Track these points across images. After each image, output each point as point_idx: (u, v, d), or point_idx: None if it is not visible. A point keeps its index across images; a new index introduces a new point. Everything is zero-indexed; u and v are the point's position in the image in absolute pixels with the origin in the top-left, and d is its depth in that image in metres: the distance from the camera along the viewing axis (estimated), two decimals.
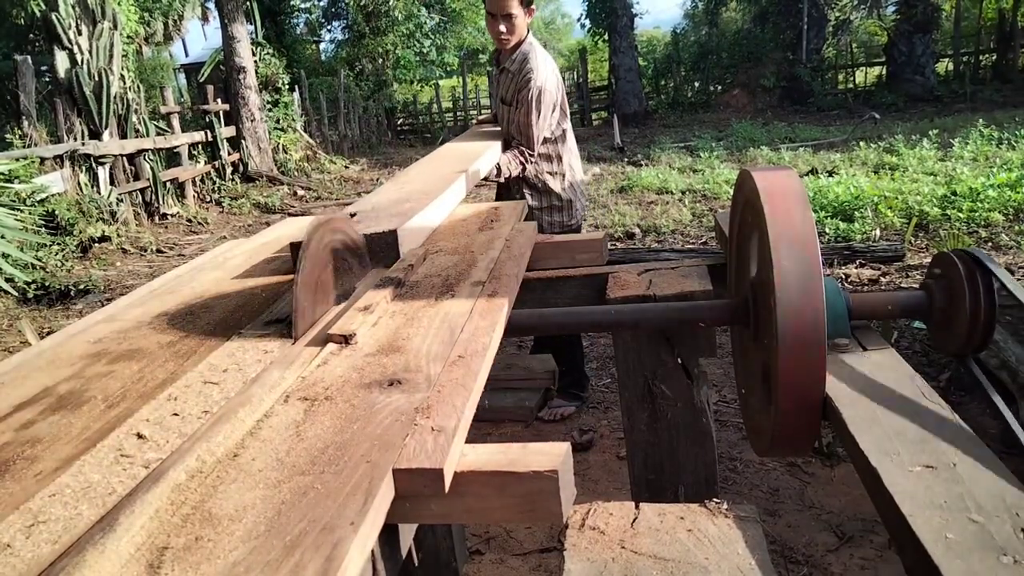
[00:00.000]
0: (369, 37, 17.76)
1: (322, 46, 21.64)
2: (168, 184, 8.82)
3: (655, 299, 1.86)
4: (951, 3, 17.55)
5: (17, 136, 7.25)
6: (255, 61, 11.24)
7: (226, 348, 1.28)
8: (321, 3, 19.49)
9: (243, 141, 10.75)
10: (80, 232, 6.83)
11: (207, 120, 10.26)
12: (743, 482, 2.59)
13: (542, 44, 3.10)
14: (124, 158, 8.20)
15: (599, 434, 3.06)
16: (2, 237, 5.13)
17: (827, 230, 5.38)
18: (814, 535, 2.26)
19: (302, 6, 17.92)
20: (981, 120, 8.77)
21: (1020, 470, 1.16)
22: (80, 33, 7.80)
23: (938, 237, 4.99)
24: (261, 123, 10.98)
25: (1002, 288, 1.48)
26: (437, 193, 2.08)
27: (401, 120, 19.07)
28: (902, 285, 4.24)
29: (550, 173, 3.04)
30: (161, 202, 8.57)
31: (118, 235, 7.30)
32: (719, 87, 17.93)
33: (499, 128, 3.20)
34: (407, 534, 1.00)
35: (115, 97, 8.06)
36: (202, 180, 9.86)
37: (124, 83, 8.35)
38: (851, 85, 17.68)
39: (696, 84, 18.46)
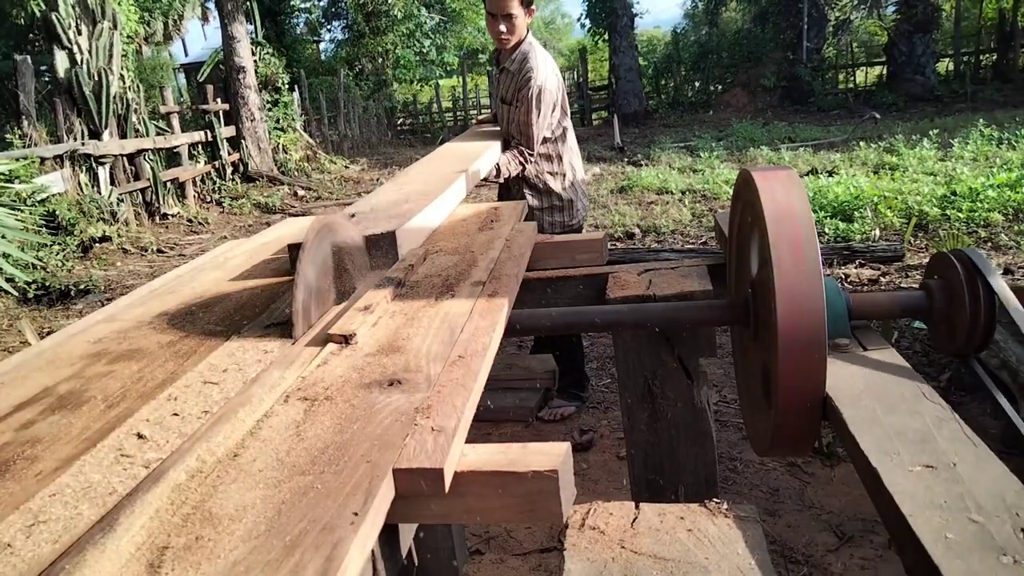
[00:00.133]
0: (369, 37, 17.76)
1: (322, 46, 21.65)
2: (168, 184, 8.82)
3: (655, 299, 1.86)
4: (951, 3, 17.55)
5: (17, 136, 7.26)
6: (255, 61, 11.24)
7: (226, 348, 1.28)
8: (321, 3, 19.51)
9: (243, 141, 10.75)
10: (80, 232, 6.83)
11: (207, 120, 10.27)
12: (743, 482, 2.59)
13: (542, 44, 3.10)
14: (124, 158, 8.20)
15: (599, 434, 3.06)
16: (2, 237, 5.13)
17: (827, 230, 5.38)
18: (814, 535, 2.26)
19: (302, 6, 17.93)
20: (981, 120, 8.77)
21: (1020, 470, 1.16)
22: (80, 33, 7.80)
23: (938, 237, 4.99)
24: (261, 123, 10.98)
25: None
26: (436, 194, 2.08)
27: (401, 120, 19.06)
28: (902, 285, 4.24)
29: (551, 173, 3.04)
30: (161, 202, 8.57)
31: (118, 235, 7.30)
32: (719, 87, 17.92)
33: (499, 128, 3.20)
34: (407, 534, 1.00)
35: (115, 97, 8.06)
36: (202, 180, 9.86)
37: (124, 83, 8.35)
38: (851, 85, 17.68)
39: (696, 84, 18.46)
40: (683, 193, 7.55)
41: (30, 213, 6.29)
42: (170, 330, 1.42)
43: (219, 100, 10.60)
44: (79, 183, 7.43)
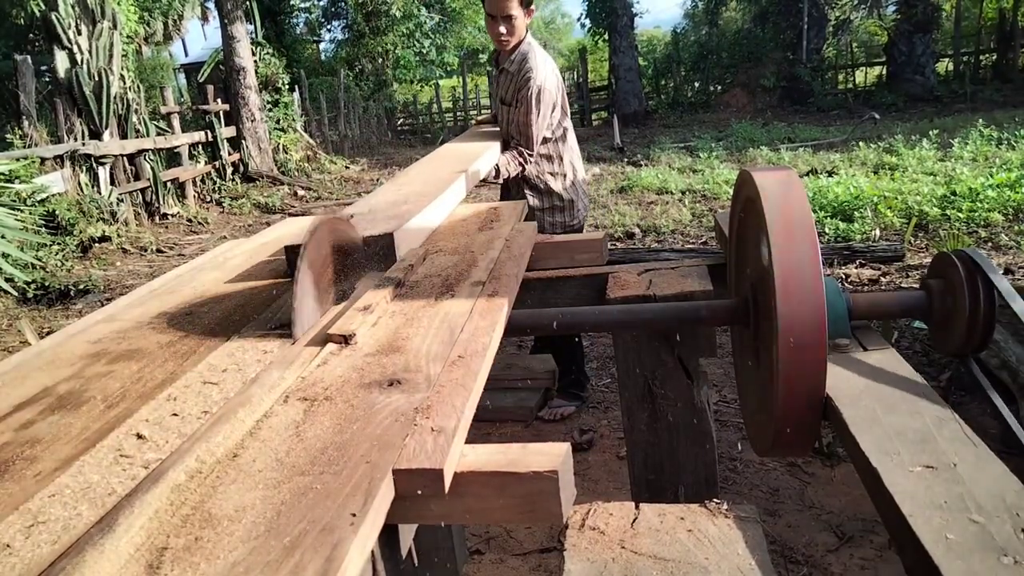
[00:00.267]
0: (369, 37, 17.76)
1: (322, 46, 21.65)
2: (168, 184, 8.82)
3: (655, 299, 1.86)
4: (951, 3, 17.55)
5: (17, 136, 7.26)
6: (255, 61, 11.24)
7: (226, 348, 1.28)
8: (321, 3, 19.50)
9: (243, 141, 10.75)
10: (80, 232, 6.83)
11: (207, 120, 10.27)
12: (743, 482, 2.59)
13: (542, 44, 3.10)
14: (124, 158, 8.20)
15: (599, 434, 3.06)
16: (2, 237, 5.13)
17: (827, 230, 5.38)
18: (814, 535, 2.26)
19: (302, 6, 17.94)
20: (981, 120, 8.77)
21: (1020, 470, 1.16)
22: (80, 33, 7.80)
23: (938, 237, 4.99)
24: (261, 123, 10.98)
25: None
26: (435, 194, 2.07)
27: (401, 120, 19.06)
28: (902, 285, 4.24)
29: (551, 173, 3.04)
30: (161, 202, 8.57)
31: (118, 235, 7.30)
32: (719, 87, 17.92)
33: (498, 128, 3.20)
34: (407, 534, 1.00)
35: (115, 97, 8.06)
36: (202, 180, 9.86)
37: (124, 83, 8.35)
38: (851, 85, 17.68)
39: (696, 84, 18.46)
40: (683, 193, 7.55)
41: (30, 213, 6.29)
42: (170, 330, 1.42)
43: (219, 100, 10.60)
44: (79, 183, 7.43)
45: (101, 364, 1.27)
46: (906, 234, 5.08)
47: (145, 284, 1.84)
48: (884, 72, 16.87)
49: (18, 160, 6.63)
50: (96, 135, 7.85)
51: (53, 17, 7.58)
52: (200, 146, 10.13)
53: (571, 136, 3.11)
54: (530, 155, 2.94)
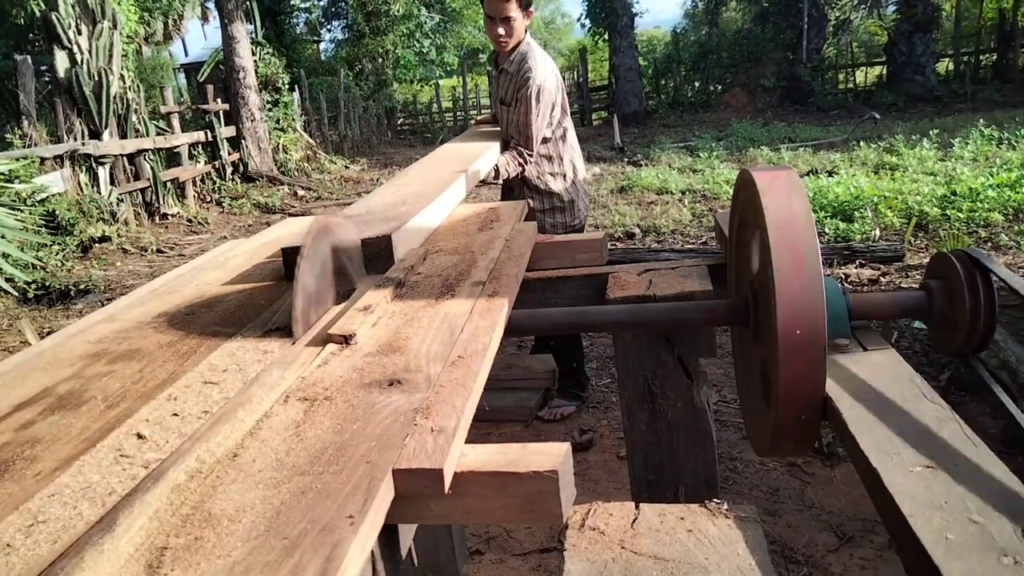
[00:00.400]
0: (369, 37, 17.76)
1: (322, 46, 21.65)
2: (168, 184, 8.82)
3: (655, 299, 1.86)
4: (951, 3, 17.55)
5: (17, 136, 7.26)
6: (255, 61, 11.24)
7: (226, 348, 1.28)
8: (321, 3, 19.50)
9: (243, 141, 10.75)
10: (80, 232, 6.83)
11: (207, 120, 10.27)
12: (743, 482, 2.59)
13: (542, 44, 3.10)
14: (124, 158, 8.20)
15: (599, 434, 3.06)
16: (2, 237, 5.13)
17: (827, 230, 5.38)
18: (814, 535, 2.26)
19: (302, 6, 17.92)
20: (981, 120, 8.77)
21: (1020, 470, 1.16)
22: (80, 33, 7.80)
23: (938, 237, 4.99)
24: (261, 123, 10.98)
25: (1002, 286, 1.48)
26: (434, 195, 2.07)
27: (401, 120, 19.06)
28: (902, 285, 4.24)
29: (551, 173, 3.04)
30: (161, 202, 8.57)
31: (118, 235, 7.30)
32: (719, 87, 17.92)
33: (498, 128, 3.20)
34: (407, 534, 1.00)
35: (115, 97, 8.06)
36: (202, 180, 9.86)
37: (124, 83, 8.35)
38: (851, 85, 17.67)
39: (696, 84, 18.45)
40: (683, 193, 7.55)
41: (30, 213, 6.29)
42: (170, 330, 1.42)
43: (219, 100, 10.60)
44: (79, 183, 7.43)
45: (101, 364, 1.27)
46: (906, 234, 5.08)
47: (145, 284, 1.84)
48: (884, 72, 16.87)
49: (18, 160, 6.63)
50: (96, 135, 7.85)
51: (53, 17, 7.58)
52: (200, 146, 10.13)
53: (571, 136, 3.11)
54: (530, 155, 2.94)
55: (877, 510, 1.14)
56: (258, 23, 12.26)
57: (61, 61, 7.70)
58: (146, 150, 8.54)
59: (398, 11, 17.57)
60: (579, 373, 3.33)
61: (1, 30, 12.58)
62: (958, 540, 0.95)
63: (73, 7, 7.73)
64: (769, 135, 11.63)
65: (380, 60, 18.04)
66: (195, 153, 9.98)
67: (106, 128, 7.96)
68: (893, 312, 1.67)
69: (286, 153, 11.73)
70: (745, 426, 1.96)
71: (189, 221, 8.65)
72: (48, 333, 4.36)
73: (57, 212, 6.74)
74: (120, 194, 7.90)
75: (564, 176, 3.06)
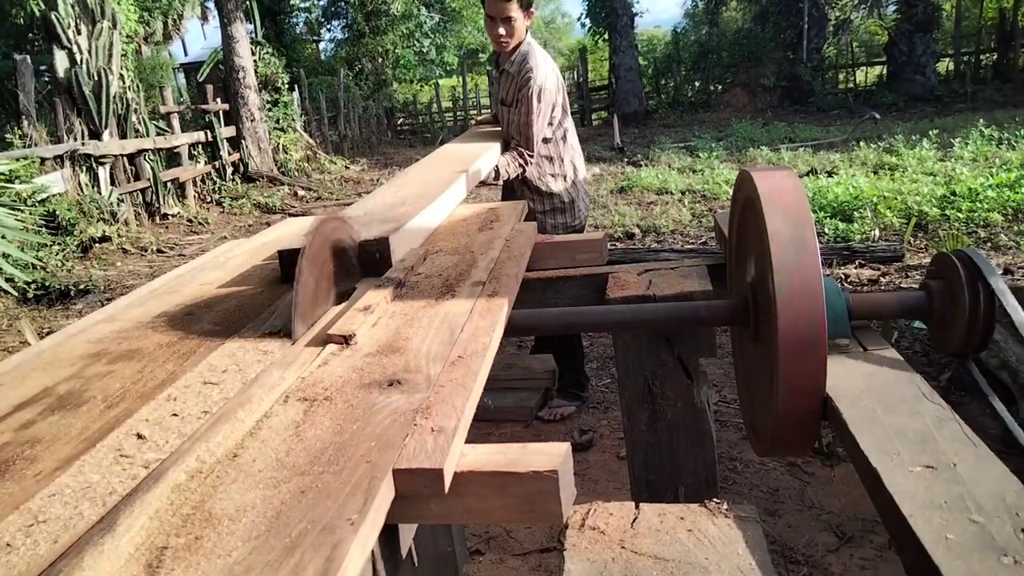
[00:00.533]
0: (369, 36, 17.76)
1: (322, 46, 21.65)
2: (168, 184, 8.82)
3: (655, 299, 1.86)
4: (951, 3, 17.55)
5: (17, 136, 7.26)
6: (255, 61, 11.24)
7: (226, 348, 1.28)
8: (321, 2, 19.49)
9: (243, 141, 10.75)
10: (80, 232, 6.83)
11: (207, 120, 10.27)
12: (743, 482, 2.59)
13: (542, 44, 3.09)
14: (124, 158, 8.20)
15: (599, 434, 3.06)
16: (2, 237, 5.13)
17: (827, 230, 5.38)
18: (814, 535, 2.26)
19: (302, 5, 17.94)
20: (981, 120, 8.77)
21: (1020, 470, 1.16)
22: (79, 33, 7.80)
23: (937, 237, 4.99)
24: (261, 123, 10.98)
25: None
26: (434, 196, 2.06)
27: (401, 120, 19.05)
28: (902, 285, 4.24)
29: (552, 174, 3.03)
30: (161, 202, 8.57)
31: (118, 235, 7.30)
32: (719, 87, 17.92)
33: (498, 128, 3.20)
34: (407, 534, 1.00)
35: (115, 97, 8.06)
36: (202, 180, 9.86)
37: (124, 83, 8.35)
38: (851, 85, 17.67)
39: (696, 84, 18.45)
40: (683, 193, 7.55)
41: (30, 213, 6.29)
42: (170, 330, 1.42)
43: (219, 100, 10.60)
44: (79, 183, 7.43)
45: (101, 364, 1.27)
46: (906, 234, 5.08)
47: (145, 284, 1.84)
48: (884, 72, 16.87)
49: (18, 160, 6.63)
50: (96, 135, 7.85)
51: (53, 17, 7.58)
52: (200, 146, 10.13)
53: (572, 136, 3.10)
54: (530, 156, 2.93)
55: (877, 510, 1.14)
56: (258, 23, 12.26)
57: (61, 61, 7.69)
58: (146, 150, 8.54)
59: (398, 11, 17.56)
60: (579, 373, 3.33)
61: (1, 30, 12.58)
62: (958, 540, 0.95)
63: (73, 7, 7.73)
64: (769, 135, 11.63)
65: (380, 60, 18.04)
66: (195, 153, 9.98)
67: (106, 128, 7.96)
68: (893, 312, 1.67)
69: (286, 153, 11.73)
70: (745, 426, 1.96)
71: (189, 221, 8.65)
72: (48, 333, 4.36)
73: (57, 212, 6.74)
74: (120, 194, 7.90)
75: (564, 176, 3.06)
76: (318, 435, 0.95)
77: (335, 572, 0.69)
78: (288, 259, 1.64)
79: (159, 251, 7.28)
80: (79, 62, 7.74)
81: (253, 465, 0.89)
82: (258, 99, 11.00)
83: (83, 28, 7.84)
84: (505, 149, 2.99)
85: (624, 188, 8.07)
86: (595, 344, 3.99)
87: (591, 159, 10.69)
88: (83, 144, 7.55)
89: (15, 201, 6.18)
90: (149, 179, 8.43)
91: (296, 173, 11.53)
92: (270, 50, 12.20)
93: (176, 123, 9.66)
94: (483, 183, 2.82)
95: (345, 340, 1.24)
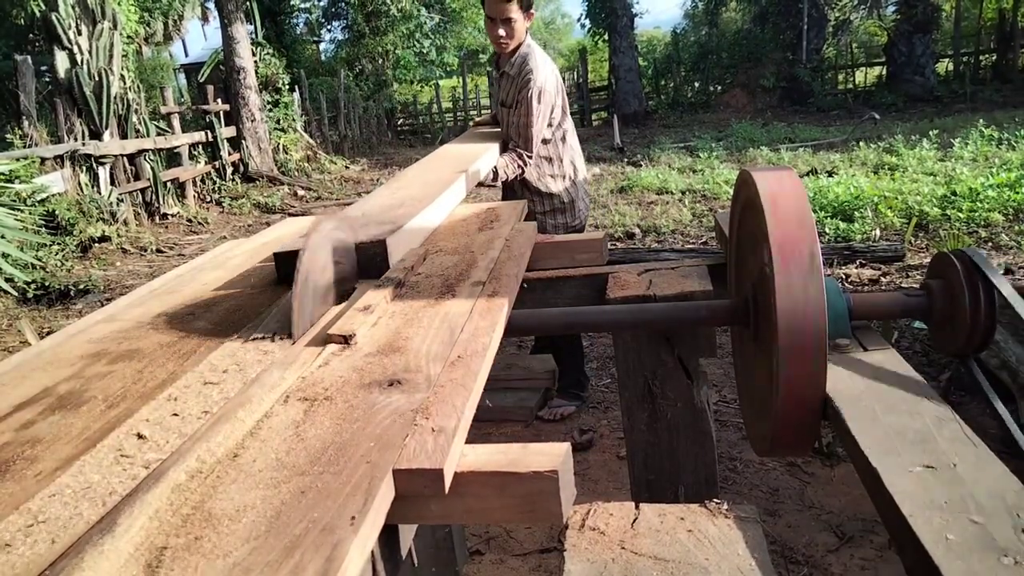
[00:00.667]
0: (369, 37, 17.76)
1: (322, 46, 21.65)
2: (168, 184, 8.82)
3: (655, 299, 1.86)
4: (951, 3, 17.55)
5: (17, 136, 7.26)
6: (255, 61, 11.24)
7: (226, 348, 1.28)
8: (321, 3, 19.50)
9: (243, 141, 10.75)
10: (80, 232, 6.83)
11: (207, 120, 10.27)
12: (743, 482, 2.59)
13: (542, 45, 3.10)
14: (124, 158, 8.20)
15: (599, 434, 3.06)
16: (2, 237, 5.13)
17: (827, 230, 5.38)
18: (814, 535, 2.26)
19: (302, 6, 17.92)
20: (981, 120, 8.77)
21: (1020, 470, 1.16)
22: (80, 33, 7.80)
23: (938, 237, 4.99)
24: (261, 123, 10.98)
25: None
26: (432, 197, 2.05)
27: (401, 120, 19.05)
28: (902, 285, 4.24)
29: (551, 175, 3.03)
30: (161, 202, 8.57)
31: (118, 235, 7.30)
32: (719, 87, 17.92)
33: (497, 129, 3.20)
34: (407, 534, 1.00)
35: (115, 97, 8.06)
36: (202, 180, 9.86)
37: (124, 83, 8.35)
38: (851, 85, 17.68)
39: (696, 84, 18.45)
40: (683, 193, 7.55)
41: (30, 213, 6.29)
42: (170, 330, 1.42)
43: (219, 100, 10.60)
44: (79, 183, 7.43)
45: (101, 364, 1.27)
46: (906, 234, 5.08)
47: (145, 284, 1.84)
48: (884, 72, 16.87)
49: (18, 160, 6.63)
50: (96, 135, 7.85)
51: (53, 17, 7.58)
52: (200, 146, 10.13)
53: (572, 137, 3.10)
54: (529, 157, 2.93)
55: (877, 510, 1.14)
56: (258, 23, 12.25)
57: (61, 61, 7.69)
58: (146, 150, 8.54)
59: (399, 10, 17.56)
60: (579, 373, 3.33)
61: (1, 30, 12.58)
62: (958, 540, 0.95)
63: (73, 7, 7.73)
64: (769, 135, 11.63)
65: (380, 60, 18.04)
66: (195, 153, 9.98)
67: (106, 128, 7.96)
68: (893, 312, 1.67)
69: (286, 153, 11.73)
70: (745, 426, 1.96)
71: (189, 221, 8.65)
72: (48, 333, 4.36)
73: (57, 212, 6.74)
74: (120, 194, 7.90)
75: (564, 177, 3.06)
76: (318, 435, 0.95)
77: (335, 572, 0.69)
78: (284, 261, 1.63)
79: (159, 251, 7.28)
80: (80, 62, 7.74)
81: (253, 465, 0.89)
82: (258, 99, 11.00)
83: (84, 29, 7.84)
84: (504, 150, 2.99)
85: (624, 188, 8.07)
86: (595, 344, 3.99)
87: (591, 159, 10.69)
88: (83, 144, 7.55)
89: (15, 201, 6.18)
90: (149, 179, 8.43)
91: (296, 173, 11.53)
92: (270, 51, 12.20)
93: (176, 123, 9.66)
94: (482, 184, 2.82)
95: (345, 340, 1.24)
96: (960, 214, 5.30)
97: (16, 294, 5.40)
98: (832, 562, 2.13)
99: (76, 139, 7.60)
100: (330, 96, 14.66)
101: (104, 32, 7.99)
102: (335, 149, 13.85)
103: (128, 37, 9.64)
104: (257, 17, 12.13)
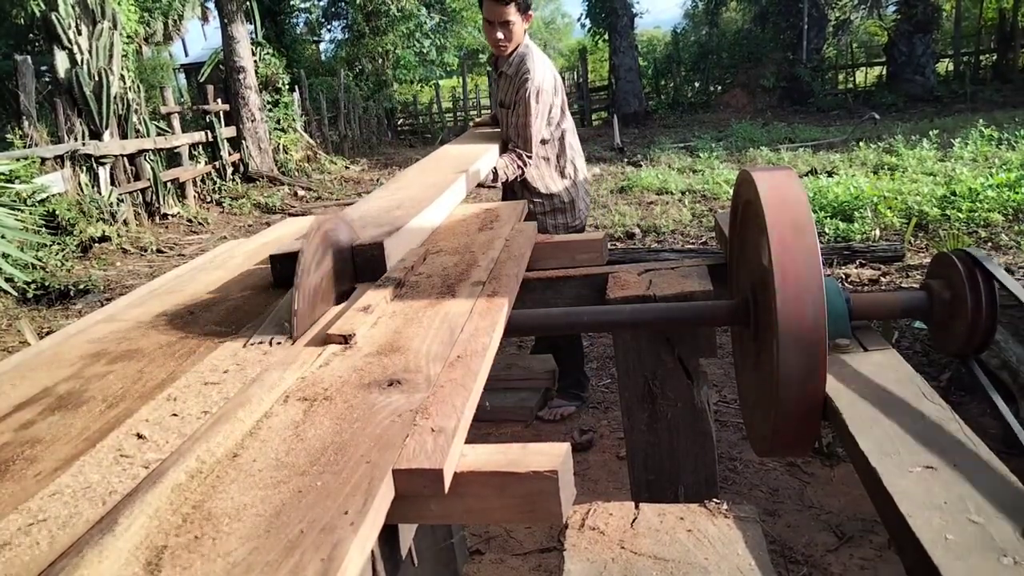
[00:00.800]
0: (369, 37, 17.76)
1: (322, 46, 21.64)
2: (168, 184, 8.82)
3: (655, 299, 1.86)
4: (951, 3, 17.55)
5: (18, 136, 7.26)
6: (255, 61, 11.24)
7: (226, 348, 1.28)
8: (321, 3, 19.50)
9: (243, 141, 10.75)
10: (80, 232, 6.83)
11: (207, 120, 10.27)
12: (743, 482, 2.59)
13: (541, 45, 3.10)
14: (124, 158, 8.20)
15: (599, 434, 3.06)
16: (2, 237, 5.13)
17: (827, 230, 5.38)
18: (814, 535, 2.26)
19: (302, 6, 17.93)
20: (981, 120, 8.77)
21: (1020, 470, 1.16)
22: (80, 33, 7.80)
23: (938, 237, 4.99)
24: (261, 123, 10.98)
25: (1002, 288, 1.48)
26: (431, 199, 2.04)
27: (401, 120, 19.05)
28: (902, 285, 4.24)
29: (551, 175, 3.03)
30: (161, 202, 8.57)
31: (118, 235, 7.30)
32: (719, 87, 17.92)
33: (497, 129, 3.19)
34: (407, 534, 1.00)
35: (115, 97, 8.06)
36: (203, 180, 9.86)
37: (124, 83, 8.35)
38: (851, 85, 17.68)
39: (696, 84, 18.46)
40: (683, 193, 7.55)
41: (30, 213, 6.29)
42: (170, 330, 1.42)
43: (219, 100, 10.60)
44: (79, 183, 7.43)
45: (101, 364, 1.27)
46: (906, 234, 5.08)
47: (145, 284, 1.84)
48: (884, 72, 16.87)
49: (18, 160, 6.63)
50: (96, 135, 7.85)
51: (53, 17, 7.58)
52: (200, 146, 10.13)
53: (572, 136, 3.10)
54: (529, 158, 2.93)
55: (877, 510, 1.14)
56: (258, 23, 12.25)
57: (61, 61, 7.70)
58: (146, 150, 8.54)
59: (399, 10, 17.55)
60: (579, 373, 3.33)
61: (1, 30, 12.58)
62: (958, 540, 0.94)
63: (73, 7, 7.73)
64: (769, 135, 11.63)
65: (380, 60, 18.05)
66: (195, 153, 9.98)
67: (106, 128, 7.96)
68: (894, 312, 1.67)
69: (286, 153, 11.73)
70: (745, 426, 1.96)
71: (189, 221, 8.65)
72: (47, 333, 4.36)
73: (57, 212, 6.74)
74: (120, 194, 7.90)
75: (564, 177, 3.06)
76: (318, 435, 0.95)
77: (335, 572, 0.69)
78: (280, 263, 1.61)
79: (159, 251, 7.28)
80: (80, 62, 7.74)
81: (253, 465, 0.89)
82: (258, 99, 11.00)
83: (84, 28, 7.84)
84: (504, 151, 2.99)
85: (624, 188, 8.07)
86: (595, 344, 3.99)
87: (591, 159, 10.69)
88: (83, 144, 7.55)
89: (15, 201, 6.18)
90: (149, 179, 8.43)
91: (296, 173, 11.53)
92: (270, 51, 12.20)
93: (176, 123, 9.66)
94: (481, 185, 2.81)
95: (345, 340, 1.24)
96: (960, 214, 5.31)
97: (16, 294, 5.40)
98: (832, 562, 2.13)
99: (76, 139, 7.60)
100: (330, 96, 14.66)
101: (104, 32, 7.99)
102: (335, 149, 13.85)
103: (128, 37, 9.64)
104: (257, 17, 12.13)
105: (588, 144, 12.30)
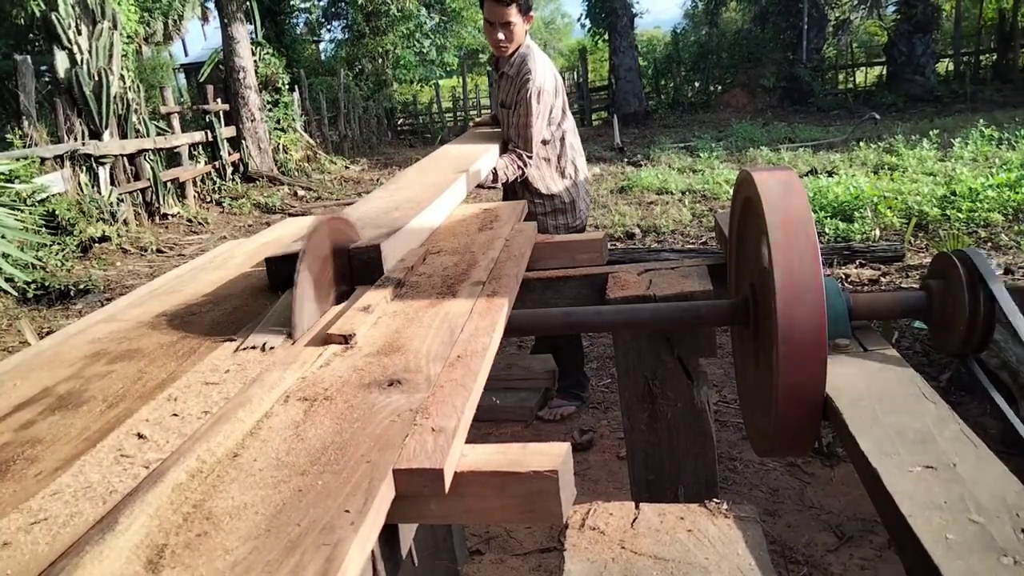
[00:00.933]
0: (369, 37, 17.76)
1: (322, 46, 21.64)
2: (168, 184, 8.82)
3: (655, 299, 1.86)
4: (951, 3, 17.55)
5: (17, 136, 7.26)
6: (255, 61, 11.24)
7: (226, 348, 1.28)
8: (321, 3, 19.50)
9: (243, 141, 10.75)
10: (80, 232, 6.83)
11: (207, 120, 10.27)
12: (743, 482, 2.59)
13: (542, 45, 3.10)
14: (124, 158, 8.21)
15: (599, 434, 3.06)
16: (2, 237, 5.13)
17: (827, 230, 5.38)
18: (814, 535, 2.26)
19: (302, 6, 17.93)
20: (981, 120, 8.77)
21: (1020, 470, 1.16)
22: (80, 33, 7.80)
23: (938, 237, 4.99)
24: (261, 123, 10.98)
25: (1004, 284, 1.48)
26: (430, 200, 2.03)
27: (401, 120, 19.05)
28: (902, 285, 4.25)
29: (551, 176, 3.03)
30: (161, 202, 8.57)
31: (118, 235, 7.30)
32: (719, 87, 17.92)
33: (497, 129, 3.19)
34: (407, 534, 1.00)
35: (115, 97, 8.06)
36: (202, 180, 9.86)
37: (124, 83, 8.35)
38: (851, 85, 17.68)
39: (696, 84, 18.45)
40: (683, 193, 7.55)
41: (30, 213, 6.29)
42: (170, 330, 1.42)
43: (219, 100, 10.60)
44: (79, 183, 7.43)
45: (101, 364, 1.28)
46: (906, 234, 5.09)
47: (145, 284, 1.84)
48: (884, 72, 16.87)
49: (18, 160, 6.63)
50: (96, 135, 7.85)
51: (53, 17, 7.58)
52: (200, 146, 10.14)
53: (572, 137, 3.10)
54: (529, 158, 2.93)
55: (877, 510, 1.14)
56: (258, 23, 12.25)
57: (61, 61, 7.70)
58: (146, 150, 8.54)
59: (399, 10, 17.55)
60: (579, 373, 3.33)
61: (1, 30, 12.58)
62: (958, 540, 0.95)
63: (73, 7, 7.73)
64: (769, 135, 11.63)
65: (380, 60, 18.05)
66: (195, 153, 9.98)
67: (106, 128, 7.96)
68: (893, 312, 1.67)
69: (286, 153, 11.73)
70: (745, 426, 1.96)
71: (189, 221, 8.65)
72: (48, 333, 4.36)
73: (57, 212, 6.74)
74: (120, 194, 7.90)
75: (565, 177, 3.05)
76: (318, 435, 0.95)
77: (335, 572, 0.69)
78: (276, 265, 1.60)
79: (159, 251, 7.28)
80: (79, 62, 7.74)
81: (253, 465, 0.89)
82: (258, 99, 11.00)
83: (83, 28, 7.84)
84: (504, 151, 2.98)
85: (624, 188, 8.07)
86: (595, 344, 3.99)
87: (591, 159, 10.68)
88: (83, 144, 7.55)
89: (15, 201, 6.18)
90: (149, 179, 8.43)
91: (296, 173, 11.53)
92: (270, 50, 12.20)
93: (176, 123, 9.66)
94: (481, 186, 2.80)
95: (345, 340, 1.24)
96: (960, 214, 5.30)
97: (16, 294, 5.40)
98: (832, 562, 2.13)
99: (76, 139, 7.60)
100: (330, 96, 14.66)
101: (104, 32, 7.99)
102: (335, 149, 13.85)
103: (128, 37, 9.64)
104: (257, 17, 12.13)
105: (588, 144, 12.29)
